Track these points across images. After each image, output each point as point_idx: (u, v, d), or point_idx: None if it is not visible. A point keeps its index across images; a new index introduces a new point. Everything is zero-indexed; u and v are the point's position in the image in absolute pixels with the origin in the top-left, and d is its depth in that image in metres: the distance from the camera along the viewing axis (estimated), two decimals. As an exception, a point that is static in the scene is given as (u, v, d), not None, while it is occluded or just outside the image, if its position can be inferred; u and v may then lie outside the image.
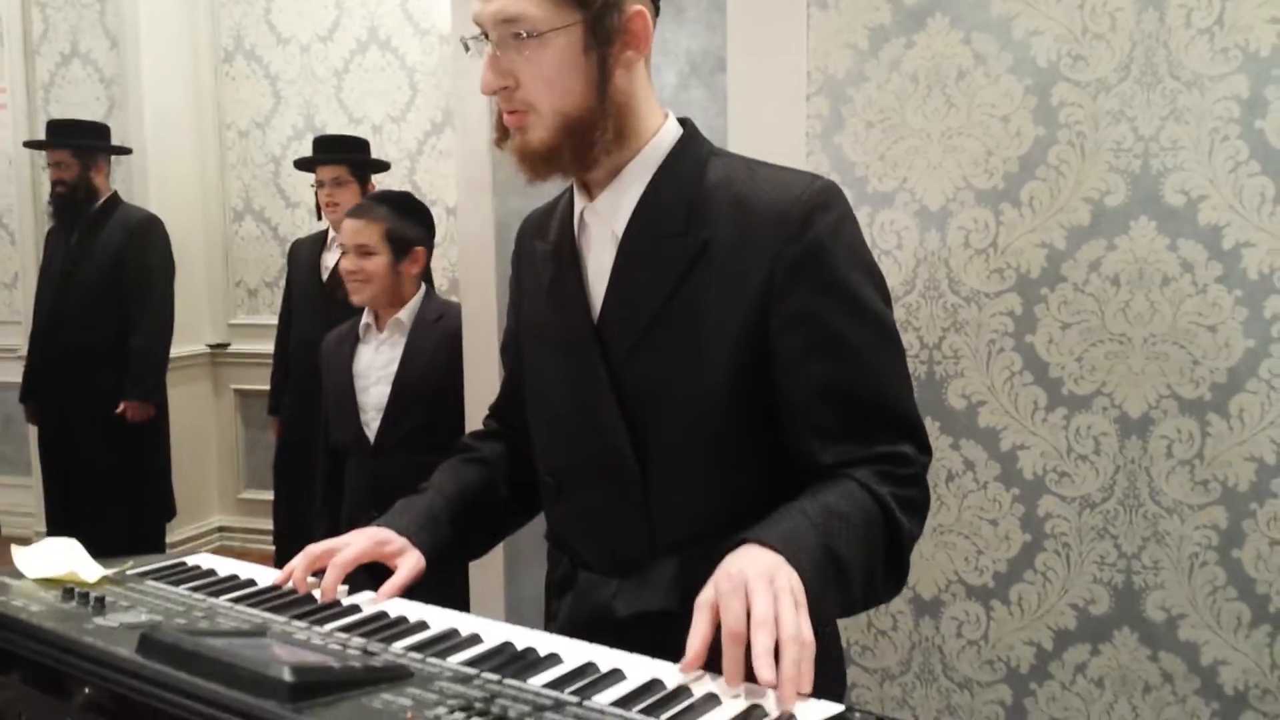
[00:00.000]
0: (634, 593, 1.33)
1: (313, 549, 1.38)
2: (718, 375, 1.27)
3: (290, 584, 1.36)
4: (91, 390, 4.22)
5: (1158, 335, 2.16)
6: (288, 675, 0.96)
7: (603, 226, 1.34)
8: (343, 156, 3.97)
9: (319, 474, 3.04)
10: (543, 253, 1.43)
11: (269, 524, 4.86)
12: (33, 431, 4.64)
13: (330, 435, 2.94)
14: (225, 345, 5.34)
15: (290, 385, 4.06)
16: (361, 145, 4.17)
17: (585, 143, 1.27)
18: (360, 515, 2.69)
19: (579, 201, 1.37)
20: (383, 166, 4.28)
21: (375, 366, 2.83)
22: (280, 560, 2.85)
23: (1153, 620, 2.24)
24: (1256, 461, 2.15)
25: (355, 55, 4.97)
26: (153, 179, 4.97)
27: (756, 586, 1.01)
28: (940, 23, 2.23)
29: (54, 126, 4.32)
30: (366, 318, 2.89)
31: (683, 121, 1.36)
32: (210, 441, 5.39)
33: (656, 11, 1.31)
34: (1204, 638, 2.21)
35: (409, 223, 2.85)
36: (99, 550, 1.42)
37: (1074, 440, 2.24)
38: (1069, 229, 2.20)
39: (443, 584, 1.44)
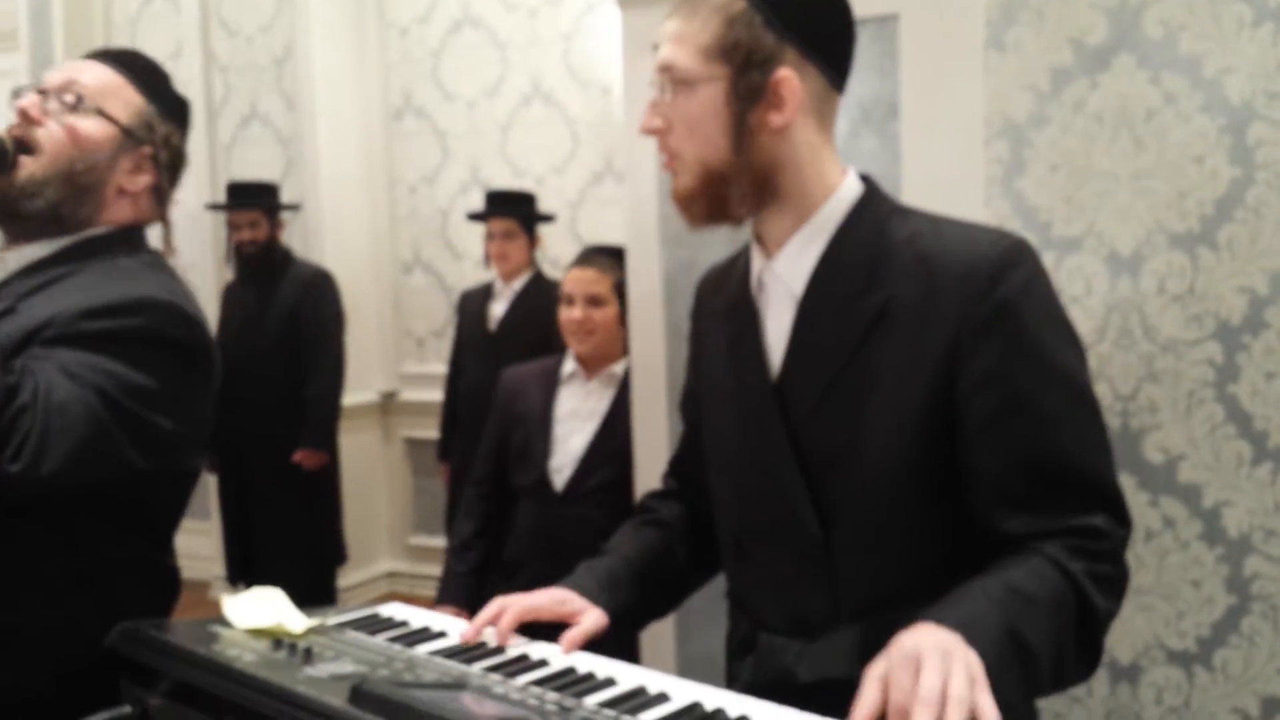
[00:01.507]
0: (817, 658, 1.31)
1: (500, 601, 1.40)
2: (901, 437, 1.24)
3: (480, 636, 1.37)
4: (268, 440, 4.39)
5: (1374, 385, 2.03)
6: (496, 732, 0.97)
7: (781, 286, 1.33)
8: (514, 210, 4.08)
9: (467, 508, 2.95)
10: (721, 310, 1.43)
11: (438, 569, 4.95)
12: (212, 479, 4.85)
13: (509, 477, 2.86)
14: (395, 394, 5.49)
15: (461, 432, 4.16)
16: (529, 200, 4.27)
17: (719, 195, 1.29)
18: (527, 560, 2.68)
19: (757, 260, 1.37)
20: (548, 219, 4.37)
21: (580, 415, 2.78)
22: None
23: (1374, 690, 2.09)
24: None
25: (519, 109, 5.09)
26: (327, 233, 5.17)
27: (929, 661, 0.98)
28: (1126, 62, 2.15)
29: (240, 189, 4.52)
30: (571, 364, 2.81)
31: (864, 178, 1.34)
32: (380, 488, 5.53)
33: (833, 69, 1.30)
34: None
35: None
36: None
37: (1281, 496, 2.12)
38: (1271, 273, 2.09)
39: (616, 640, 1.44)
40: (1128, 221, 2.17)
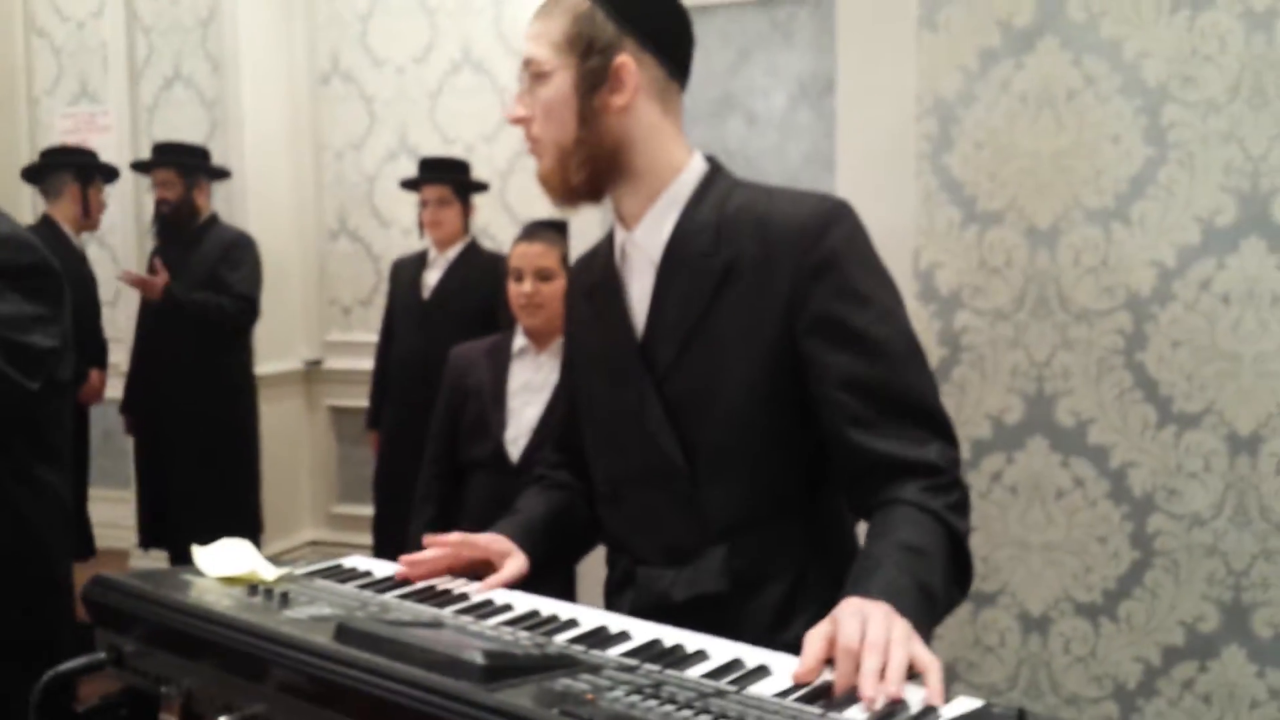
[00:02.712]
0: (689, 579, 1.46)
1: (435, 542, 1.52)
2: (751, 380, 1.40)
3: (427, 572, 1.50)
4: (185, 404, 4.37)
5: (1268, 353, 2.18)
6: (480, 659, 1.05)
7: (641, 255, 1.49)
8: (448, 177, 4.10)
9: (426, 490, 3.02)
10: (590, 285, 1.59)
11: (361, 538, 4.98)
12: (132, 445, 4.81)
13: (461, 451, 2.91)
14: (319, 362, 5.48)
15: (391, 400, 4.18)
16: (464, 167, 4.30)
17: (583, 170, 1.44)
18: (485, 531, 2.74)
19: (619, 234, 1.52)
20: (483, 187, 4.39)
21: (532, 387, 2.83)
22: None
23: (1261, 637, 2.25)
24: (1371, 479, 2.16)
25: (449, 76, 5.09)
26: (251, 199, 5.12)
27: (874, 618, 1.11)
28: (1050, 44, 2.27)
29: (160, 148, 4.51)
30: (521, 339, 2.86)
31: (709, 158, 1.51)
32: (303, 456, 5.51)
33: (671, 62, 1.47)
34: (1316, 656, 2.23)
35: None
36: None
37: (1184, 458, 2.26)
38: (1179, 247, 2.23)
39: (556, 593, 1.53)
40: (1047, 197, 2.29)
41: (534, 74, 1.44)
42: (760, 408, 1.41)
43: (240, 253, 4.43)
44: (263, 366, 5.11)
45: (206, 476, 4.37)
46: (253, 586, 1.36)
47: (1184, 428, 2.26)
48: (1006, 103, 2.31)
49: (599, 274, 1.57)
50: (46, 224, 4.39)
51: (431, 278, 4.16)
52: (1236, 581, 2.25)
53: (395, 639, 1.11)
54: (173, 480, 4.42)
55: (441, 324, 3.92)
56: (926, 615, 1.23)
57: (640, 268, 1.49)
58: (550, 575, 1.69)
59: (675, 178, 1.47)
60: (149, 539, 4.56)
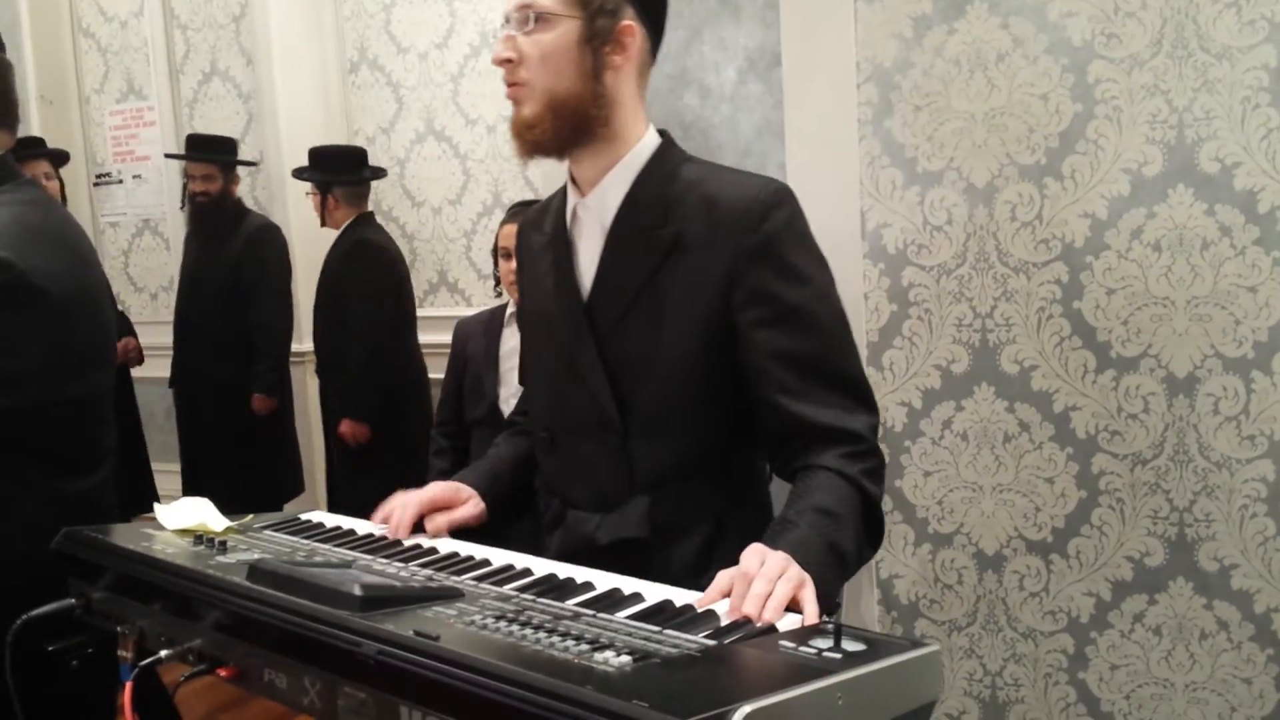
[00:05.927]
0: (613, 525, 1.58)
1: (399, 496, 1.66)
2: (687, 346, 1.51)
3: (390, 525, 1.63)
4: (218, 381, 4.63)
5: (1199, 298, 2.26)
6: (358, 591, 1.21)
7: (592, 219, 1.59)
8: (305, 173, 4.49)
9: (436, 447, 3.30)
10: (540, 244, 1.69)
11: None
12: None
13: (466, 411, 3.21)
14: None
15: None
16: (324, 162, 4.57)
17: (569, 123, 1.50)
18: None
19: (572, 197, 1.62)
20: (327, 180, 4.55)
21: (519, 350, 3.11)
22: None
23: (1206, 570, 2.34)
24: (1300, 415, 2.23)
25: (469, 59, 5.25)
26: (289, 186, 5.33)
27: (772, 559, 1.22)
28: (979, 9, 2.36)
29: (200, 142, 4.73)
30: (512, 307, 3.17)
31: (662, 132, 1.61)
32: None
33: (655, 37, 1.57)
34: (1256, 586, 2.31)
35: None
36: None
37: (1123, 400, 2.35)
38: (1110, 199, 2.31)
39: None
40: (983, 156, 2.39)
41: (537, 16, 1.46)
42: (692, 373, 1.51)
43: (264, 249, 4.69)
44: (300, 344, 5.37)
45: (237, 445, 4.62)
46: (198, 537, 1.54)
47: (1122, 371, 2.34)
48: (941, 67, 2.40)
49: (550, 233, 1.66)
50: None
51: None
52: (1180, 518, 2.34)
53: (294, 576, 1.28)
54: (208, 448, 4.70)
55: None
56: (833, 570, 1.34)
57: (590, 231, 1.59)
58: (522, 513, 1.84)
59: (633, 146, 1.55)
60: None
